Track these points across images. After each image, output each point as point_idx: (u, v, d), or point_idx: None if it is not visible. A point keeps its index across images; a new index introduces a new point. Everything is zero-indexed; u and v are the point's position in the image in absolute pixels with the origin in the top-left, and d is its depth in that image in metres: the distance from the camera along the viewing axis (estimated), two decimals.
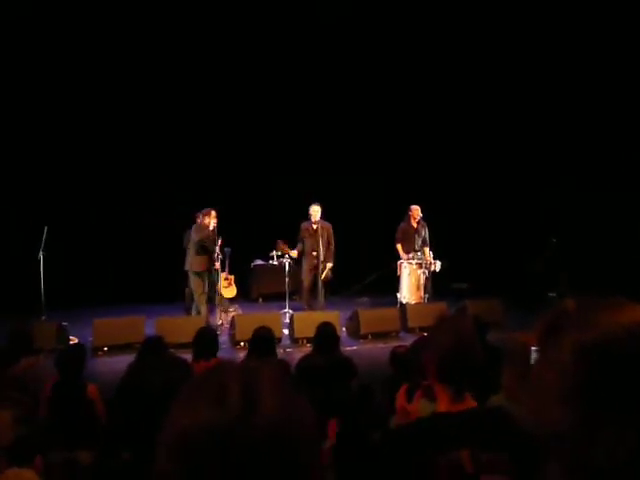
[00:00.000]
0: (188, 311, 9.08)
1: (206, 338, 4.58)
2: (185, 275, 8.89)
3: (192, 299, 8.86)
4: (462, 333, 1.85)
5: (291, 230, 9.30)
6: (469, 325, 1.93)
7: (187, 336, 5.24)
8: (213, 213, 8.74)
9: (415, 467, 1.72)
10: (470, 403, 1.85)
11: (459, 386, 1.83)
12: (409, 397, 2.06)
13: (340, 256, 9.36)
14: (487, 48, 11.07)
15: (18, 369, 3.92)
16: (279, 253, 9.35)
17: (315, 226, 8.96)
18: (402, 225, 9.65)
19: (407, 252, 9.44)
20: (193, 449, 0.74)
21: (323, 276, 9.00)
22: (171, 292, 9.84)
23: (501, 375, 2.97)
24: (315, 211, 8.97)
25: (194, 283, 8.76)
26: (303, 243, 9.07)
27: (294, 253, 9.12)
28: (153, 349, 4.11)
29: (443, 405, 1.85)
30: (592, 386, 0.79)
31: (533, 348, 0.90)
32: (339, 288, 10.51)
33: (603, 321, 0.82)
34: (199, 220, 8.78)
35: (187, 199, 9.90)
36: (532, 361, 0.90)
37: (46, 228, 8.81)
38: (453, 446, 1.73)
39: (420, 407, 2.04)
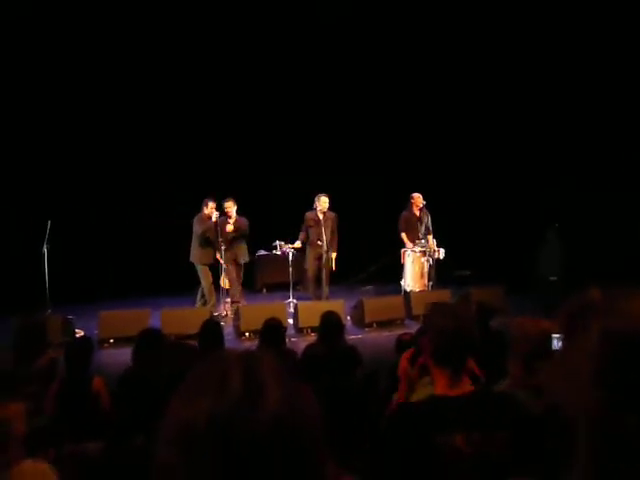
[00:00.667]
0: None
1: (211, 331, 4.60)
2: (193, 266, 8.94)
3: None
4: (460, 316, 1.89)
5: (293, 220, 9.30)
6: (468, 309, 1.96)
7: (193, 328, 5.26)
8: (210, 204, 8.76)
9: (416, 450, 1.74)
10: (467, 387, 1.87)
11: (457, 368, 1.85)
12: (413, 361, 2.07)
13: (344, 245, 9.38)
14: (488, 44, 11.02)
15: (42, 363, 3.95)
16: (282, 243, 9.36)
17: (320, 215, 8.97)
18: (405, 213, 9.63)
19: (411, 240, 9.44)
20: (195, 439, 0.73)
21: (334, 267, 9.03)
22: (177, 284, 9.87)
23: (506, 359, 3.00)
24: (324, 202, 8.97)
25: (202, 275, 8.79)
26: (307, 232, 9.07)
27: (297, 245, 9.13)
28: (149, 343, 4.10)
29: (440, 387, 1.87)
30: (618, 372, 0.82)
31: (555, 335, 0.95)
32: (343, 277, 10.53)
33: (629, 309, 0.86)
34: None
35: (190, 189, 9.91)
36: (552, 347, 0.94)
37: (50, 222, 8.84)
38: (452, 429, 1.75)
39: (421, 381, 2.07)
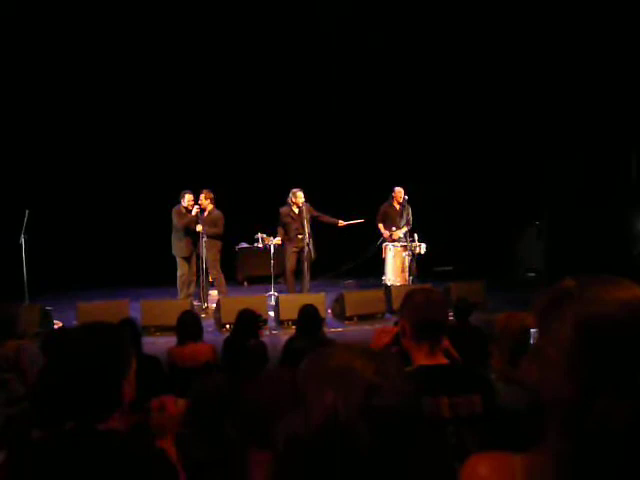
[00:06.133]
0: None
1: (188, 322, 4.65)
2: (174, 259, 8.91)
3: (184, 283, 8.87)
4: (431, 291, 2.13)
5: (275, 213, 9.28)
6: (437, 290, 2.26)
7: (173, 319, 5.24)
8: (187, 196, 8.71)
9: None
10: (442, 359, 2.04)
11: (433, 341, 2.01)
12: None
13: (324, 239, 9.38)
14: (470, 42, 11.08)
15: (8, 349, 3.90)
16: (264, 235, 9.32)
17: (297, 210, 8.93)
18: (384, 206, 9.68)
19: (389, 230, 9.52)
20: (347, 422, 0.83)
21: (314, 255, 8.97)
22: (157, 275, 9.80)
23: (483, 353, 3.05)
24: (300, 197, 8.93)
25: (179, 267, 8.78)
26: (284, 228, 9.03)
27: (278, 241, 9.08)
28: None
29: (420, 359, 2.02)
30: (591, 358, 0.84)
31: (533, 330, 0.97)
32: (324, 270, 10.53)
33: (603, 297, 0.87)
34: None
35: (172, 181, 9.83)
36: (531, 340, 0.97)
37: (27, 212, 8.71)
38: (438, 393, 1.90)
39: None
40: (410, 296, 2.12)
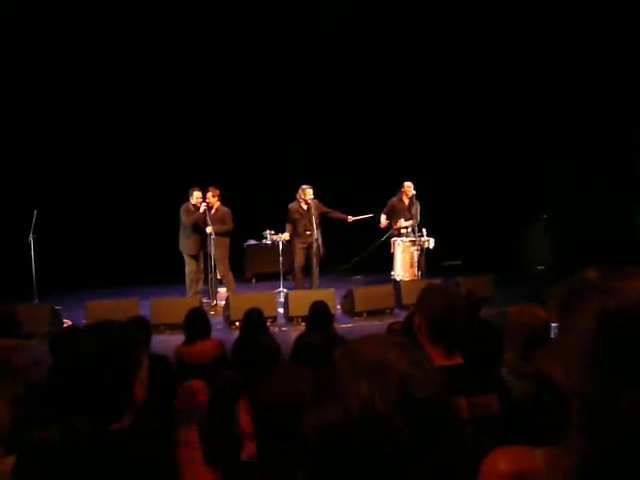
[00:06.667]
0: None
1: (196, 320, 4.64)
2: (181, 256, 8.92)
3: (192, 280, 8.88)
4: (451, 294, 2.03)
5: (283, 210, 9.27)
6: (456, 289, 2.04)
7: (182, 317, 5.25)
8: (196, 194, 8.70)
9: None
10: (459, 359, 1.98)
11: (450, 345, 1.95)
12: None
13: (333, 235, 9.36)
14: (474, 35, 11.03)
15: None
16: (272, 232, 9.32)
17: (306, 206, 8.93)
18: (393, 200, 9.67)
19: (395, 223, 9.48)
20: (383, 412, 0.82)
21: (322, 250, 8.96)
22: (167, 273, 9.81)
23: (493, 347, 3.03)
24: (309, 194, 8.93)
25: (187, 265, 8.76)
26: (293, 224, 9.03)
27: (286, 237, 9.09)
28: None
29: (437, 361, 1.94)
30: (613, 350, 0.82)
31: (553, 324, 0.94)
32: (332, 266, 10.51)
33: (625, 289, 0.85)
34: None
35: (179, 179, 9.83)
36: (551, 334, 0.94)
37: (36, 211, 8.74)
38: (457, 393, 1.85)
39: None
40: (426, 295, 2.03)
